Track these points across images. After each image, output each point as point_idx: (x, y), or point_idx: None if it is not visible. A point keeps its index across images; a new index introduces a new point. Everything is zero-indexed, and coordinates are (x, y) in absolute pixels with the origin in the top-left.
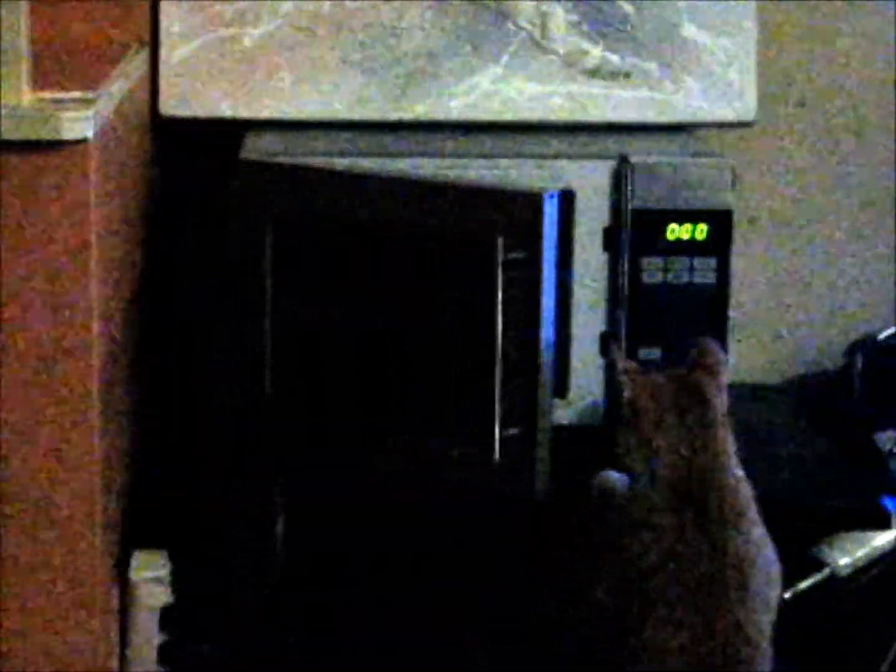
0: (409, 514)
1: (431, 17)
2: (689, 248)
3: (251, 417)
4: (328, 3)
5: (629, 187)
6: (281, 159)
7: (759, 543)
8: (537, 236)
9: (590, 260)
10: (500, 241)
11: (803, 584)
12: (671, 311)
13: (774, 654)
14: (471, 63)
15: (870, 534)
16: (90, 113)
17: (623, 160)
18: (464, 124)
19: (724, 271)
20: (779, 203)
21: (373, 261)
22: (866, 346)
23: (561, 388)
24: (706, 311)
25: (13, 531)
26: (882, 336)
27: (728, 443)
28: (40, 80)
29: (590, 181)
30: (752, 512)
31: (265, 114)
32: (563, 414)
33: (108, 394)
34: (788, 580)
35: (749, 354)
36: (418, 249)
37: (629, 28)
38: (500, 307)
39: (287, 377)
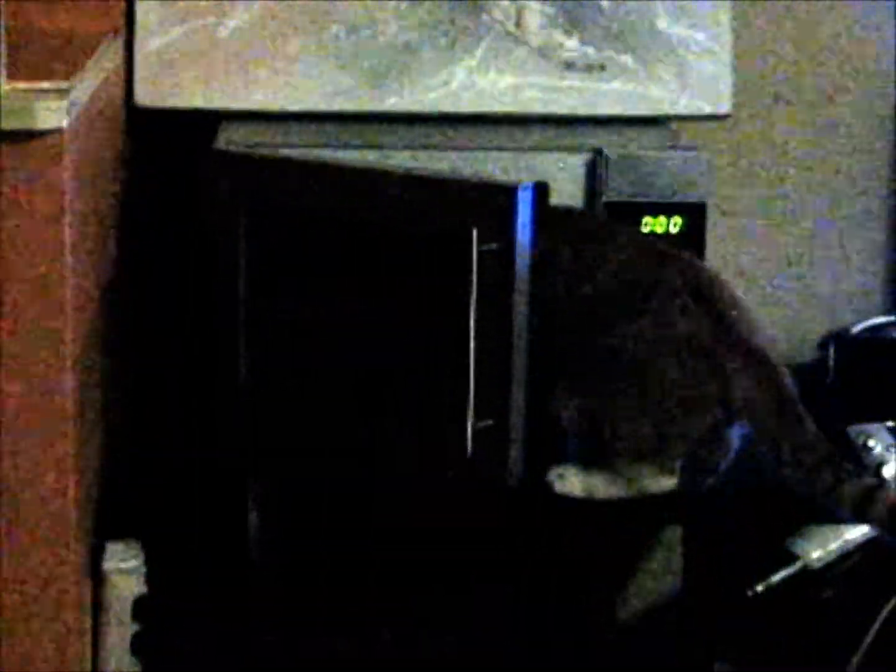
0: (383, 505)
1: (407, 9)
2: (663, 240)
3: (225, 408)
4: None
5: (604, 180)
6: (256, 150)
7: None
8: (511, 228)
9: None
10: (474, 232)
11: (776, 577)
12: None
13: (745, 648)
14: (446, 55)
15: (842, 527)
16: (65, 103)
17: (598, 153)
18: (439, 116)
19: None
20: (753, 196)
21: (347, 252)
22: (840, 339)
23: None
24: None
25: None
26: (855, 329)
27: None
28: (15, 70)
29: (564, 174)
30: None
31: (240, 105)
32: None
33: (83, 385)
34: (761, 573)
35: None
36: (393, 241)
37: (604, 21)
38: (474, 298)
39: (261, 368)
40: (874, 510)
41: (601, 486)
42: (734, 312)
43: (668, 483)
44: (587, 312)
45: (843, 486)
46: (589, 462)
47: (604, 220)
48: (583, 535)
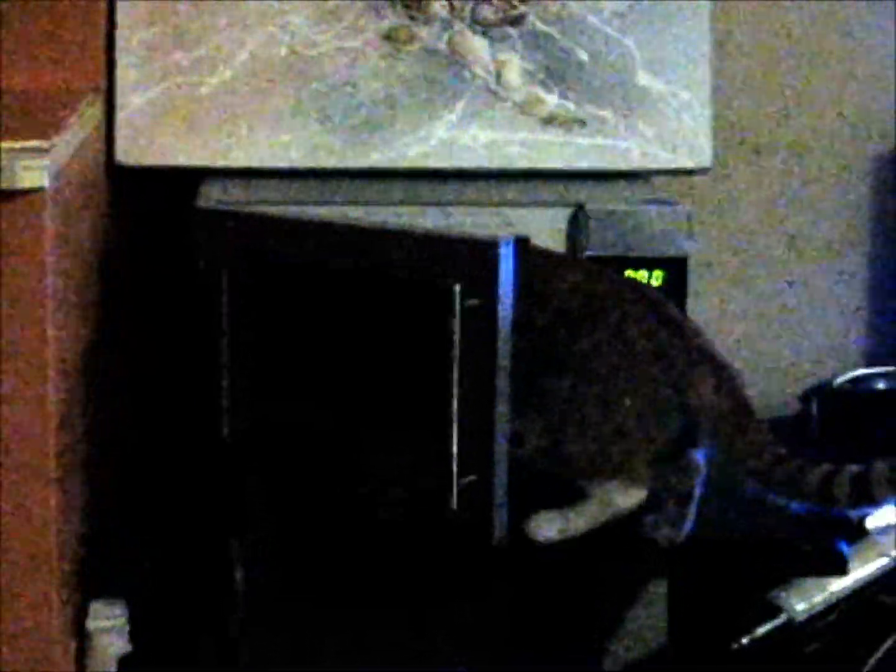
0: (368, 562)
1: (387, 65)
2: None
3: (209, 464)
4: (284, 51)
5: (585, 235)
6: (237, 208)
7: None
8: (493, 284)
9: None
10: (456, 288)
11: (760, 630)
12: None
13: None
14: (426, 111)
15: (826, 579)
16: (46, 162)
17: (579, 208)
18: (419, 172)
19: None
20: (734, 249)
21: (330, 308)
22: (822, 391)
23: None
24: None
25: None
26: (838, 382)
27: None
28: None
29: (546, 229)
30: None
31: (221, 162)
32: None
33: (65, 443)
34: (745, 625)
35: None
36: (375, 297)
37: (584, 76)
38: (456, 354)
39: (245, 424)
40: (839, 491)
41: (575, 521)
42: (684, 322)
43: (637, 497)
44: (544, 335)
45: (803, 477)
46: (561, 499)
47: (550, 250)
48: (566, 587)
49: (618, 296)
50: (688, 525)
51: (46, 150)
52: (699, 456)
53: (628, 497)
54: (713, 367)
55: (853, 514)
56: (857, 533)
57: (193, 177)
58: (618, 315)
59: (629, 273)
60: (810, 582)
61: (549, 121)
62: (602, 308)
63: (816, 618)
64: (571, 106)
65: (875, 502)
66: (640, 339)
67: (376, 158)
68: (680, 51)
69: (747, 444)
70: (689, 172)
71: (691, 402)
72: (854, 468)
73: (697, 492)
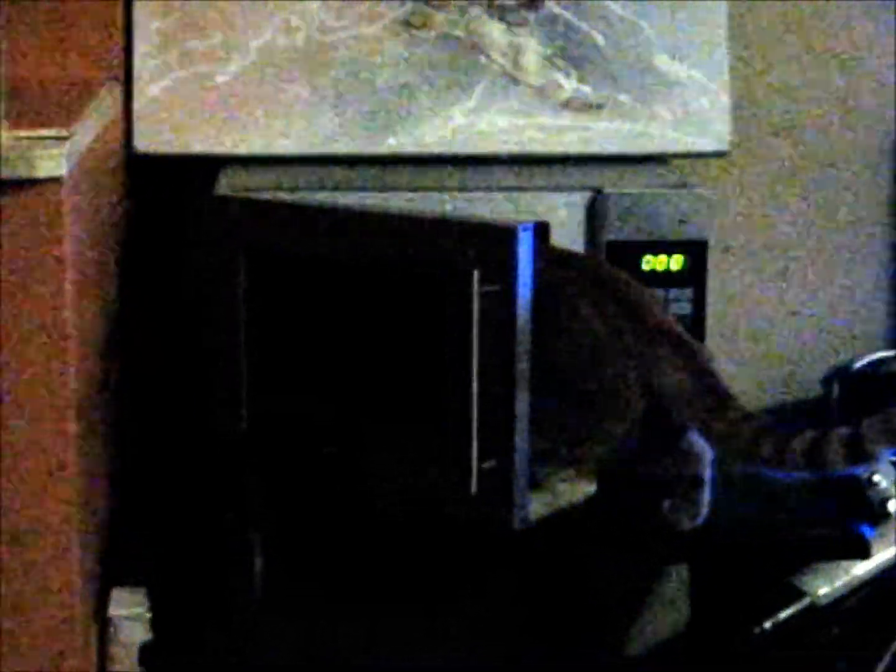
0: (388, 547)
1: (404, 51)
2: (664, 278)
3: (228, 452)
4: (301, 39)
5: (604, 219)
6: (256, 195)
7: None
8: (512, 269)
9: None
10: (475, 273)
11: (783, 614)
12: None
13: None
14: (444, 97)
15: (849, 563)
16: (64, 151)
17: (598, 192)
18: (438, 158)
19: (699, 301)
20: (754, 232)
21: (348, 295)
22: (843, 374)
23: None
24: None
25: None
26: (858, 364)
27: None
28: (15, 118)
29: (565, 213)
30: None
31: (239, 150)
32: None
33: (86, 430)
34: (768, 609)
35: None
36: (393, 283)
37: (602, 60)
38: (476, 339)
39: (262, 412)
40: (831, 453)
41: (533, 506)
42: (644, 302)
43: (587, 489)
44: None
45: (788, 445)
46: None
47: None
48: (589, 572)
49: (574, 281)
50: (704, 508)
51: (64, 139)
52: (702, 439)
53: (579, 490)
54: (676, 348)
55: (848, 473)
56: (880, 517)
57: (211, 165)
58: (570, 301)
59: (649, 257)
60: (833, 565)
61: (566, 105)
62: (553, 293)
63: (839, 602)
64: (589, 90)
65: (869, 458)
66: (595, 323)
67: (393, 144)
68: (697, 34)
69: (723, 422)
70: (708, 155)
71: (655, 384)
72: (843, 429)
73: (708, 474)
